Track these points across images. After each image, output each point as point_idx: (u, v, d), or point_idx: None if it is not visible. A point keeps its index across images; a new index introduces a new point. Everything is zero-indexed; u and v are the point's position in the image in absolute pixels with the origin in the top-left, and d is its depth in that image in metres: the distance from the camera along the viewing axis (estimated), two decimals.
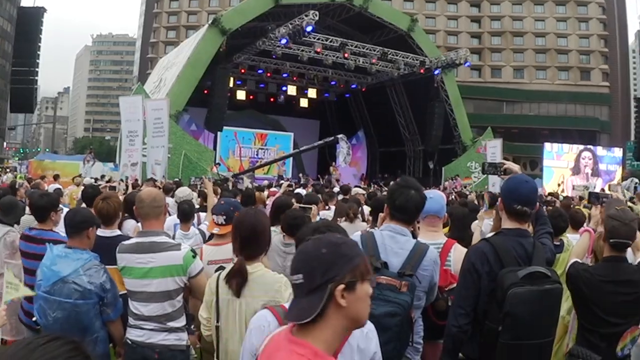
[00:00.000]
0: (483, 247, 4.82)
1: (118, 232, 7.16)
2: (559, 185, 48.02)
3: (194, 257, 5.87)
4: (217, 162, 42.63)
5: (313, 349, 2.72)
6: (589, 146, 57.45)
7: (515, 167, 5.62)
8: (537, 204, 5.15)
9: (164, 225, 6.29)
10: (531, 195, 4.90)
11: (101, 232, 6.58)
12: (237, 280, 4.85)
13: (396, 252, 4.94)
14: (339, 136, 38.36)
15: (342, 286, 2.70)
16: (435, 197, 6.04)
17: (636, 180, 36.69)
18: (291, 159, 51.31)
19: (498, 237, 4.87)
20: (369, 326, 3.42)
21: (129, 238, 6.71)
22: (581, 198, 21.16)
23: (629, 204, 14.70)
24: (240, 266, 4.90)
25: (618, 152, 56.37)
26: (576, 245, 6.43)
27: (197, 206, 12.14)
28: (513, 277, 4.42)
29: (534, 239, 4.99)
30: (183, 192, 11.47)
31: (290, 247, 7.04)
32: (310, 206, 9.56)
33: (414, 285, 4.64)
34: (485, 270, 4.65)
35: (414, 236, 5.50)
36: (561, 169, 52.31)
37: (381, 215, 6.08)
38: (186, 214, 9.62)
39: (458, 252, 5.70)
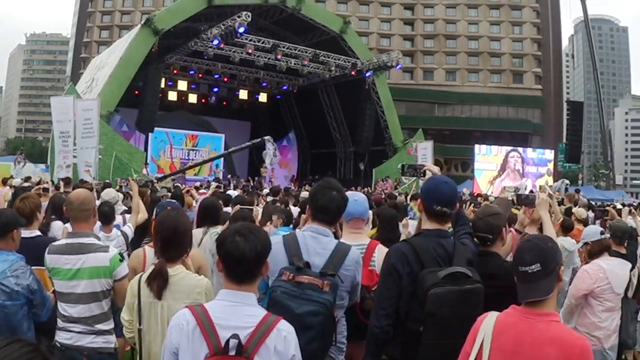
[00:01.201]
0: (403, 247, 4.90)
1: (37, 233, 7.19)
2: (490, 185, 49.10)
3: (121, 260, 5.93)
4: (146, 162, 43.08)
5: (558, 315, 3.93)
6: (516, 148, 59.01)
7: (435, 169, 5.79)
8: (457, 204, 5.29)
9: (93, 227, 6.40)
10: (451, 196, 5.01)
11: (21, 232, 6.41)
12: (158, 282, 4.97)
13: (318, 253, 4.99)
14: (266, 138, 39.08)
15: (562, 267, 3.94)
16: (359, 200, 6.30)
17: (567, 181, 38.04)
18: (222, 160, 51.78)
19: (418, 238, 4.99)
20: (288, 329, 3.69)
21: (49, 239, 7.10)
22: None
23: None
24: (161, 268, 5.01)
25: (549, 154, 58.01)
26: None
27: (125, 208, 12.59)
28: (433, 278, 4.48)
29: (454, 239, 5.10)
30: (109, 194, 11.14)
31: None
32: (251, 207, 9.83)
33: (336, 284, 4.72)
34: (405, 271, 4.71)
35: (336, 237, 5.63)
36: (490, 171, 53.74)
37: (304, 216, 6.39)
38: (107, 215, 9.52)
39: (382, 253, 5.72)
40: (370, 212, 7.90)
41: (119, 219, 9.99)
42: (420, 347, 4.47)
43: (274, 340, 3.56)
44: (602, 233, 8.07)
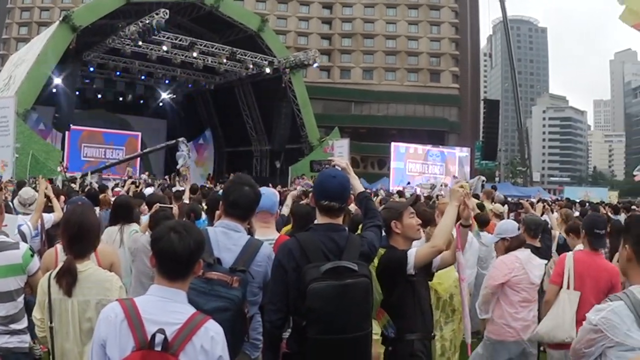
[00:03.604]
0: (290, 243, 4.97)
1: None
2: (407, 184, 50.22)
3: (32, 255, 5.88)
4: (64, 161, 42.62)
5: (602, 254, 7.96)
6: (438, 146, 60.45)
7: (343, 163, 5.71)
8: (351, 197, 5.44)
9: (1, 224, 6.28)
10: (337, 190, 4.99)
11: None
12: (67, 279, 4.96)
13: (229, 248, 5.04)
14: (180, 139, 39.99)
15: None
16: (267, 194, 6.28)
17: (483, 178, 39.31)
18: (139, 159, 52.47)
19: (306, 233, 4.99)
20: (217, 329, 3.74)
21: None
22: (428, 197, 22.70)
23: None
24: (69, 265, 5.02)
25: (463, 152, 59.56)
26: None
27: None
28: (315, 273, 4.52)
29: (349, 233, 5.11)
30: (27, 192, 10.78)
31: None
32: (171, 206, 9.66)
33: (245, 280, 4.77)
34: (291, 266, 4.73)
35: (250, 233, 5.67)
36: (407, 168, 54.94)
37: (217, 212, 6.24)
38: None
39: None
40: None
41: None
42: (308, 341, 4.54)
43: (200, 338, 3.63)
44: (519, 229, 8.69)
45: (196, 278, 4.29)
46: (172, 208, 9.17)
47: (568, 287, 7.20)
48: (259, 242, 5.27)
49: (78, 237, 5.18)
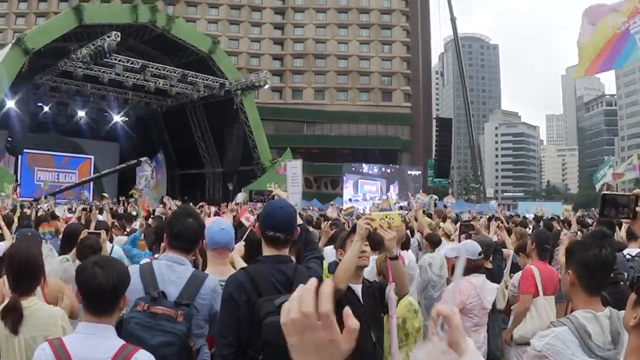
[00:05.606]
0: (240, 276, 4.92)
1: None
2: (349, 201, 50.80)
3: None
4: (17, 184, 40.85)
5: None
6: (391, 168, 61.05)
7: (283, 194, 5.90)
8: (298, 229, 5.21)
9: None
10: (285, 221, 4.97)
11: None
12: (13, 317, 4.85)
13: (174, 282, 5.01)
14: (142, 159, 39.95)
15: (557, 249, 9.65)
16: (226, 228, 6.26)
17: (435, 196, 39.71)
18: (92, 183, 52.54)
19: (255, 266, 4.97)
20: (147, 358, 3.82)
21: None
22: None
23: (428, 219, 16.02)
24: (14, 303, 4.90)
25: (416, 171, 60.38)
26: None
27: None
28: (269, 306, 4.43)
29: (296, 264, 5.13)
30: None
31: None
32: (99, 231, 9.34)
33: (190, 314, 4.76)
34: (243, 300, 4.70)
35: (196, 265, 5.85)
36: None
37: (162, 245, 6.16)
38: None
39: None
40: None
41: None
42: None
43: None
44: (480, 254, 8.29)
45: (141, 312, 4.53)
46: (99, 234, 8.72)
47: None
48: (203, 275, 5.28)
49: (23, 274, 5.10)
